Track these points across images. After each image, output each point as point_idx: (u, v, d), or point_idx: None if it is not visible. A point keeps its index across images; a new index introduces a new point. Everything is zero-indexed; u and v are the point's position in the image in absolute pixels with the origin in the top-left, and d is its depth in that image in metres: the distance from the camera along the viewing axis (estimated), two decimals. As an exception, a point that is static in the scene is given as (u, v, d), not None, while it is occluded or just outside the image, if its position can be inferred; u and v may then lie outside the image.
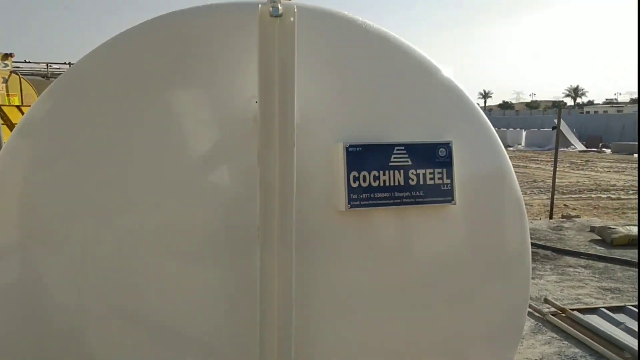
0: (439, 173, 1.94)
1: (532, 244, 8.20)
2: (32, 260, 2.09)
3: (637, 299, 5.14)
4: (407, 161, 1.91)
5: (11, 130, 8.84)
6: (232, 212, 1.88)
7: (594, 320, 5.11)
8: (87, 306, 2.07)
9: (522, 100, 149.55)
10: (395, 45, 2.02)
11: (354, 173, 1.86)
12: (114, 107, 1.94)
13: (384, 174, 1.88)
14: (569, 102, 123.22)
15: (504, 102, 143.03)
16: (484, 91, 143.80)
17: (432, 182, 1.93)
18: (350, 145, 1.85)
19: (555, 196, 14.21)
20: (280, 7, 1.62)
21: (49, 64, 24.33)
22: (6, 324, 2.14)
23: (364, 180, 1.87)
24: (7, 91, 12.91)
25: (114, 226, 2.00)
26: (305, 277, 1.84)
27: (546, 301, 5.71)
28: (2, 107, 11.40)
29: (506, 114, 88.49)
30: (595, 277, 6.83)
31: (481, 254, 2.08)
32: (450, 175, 1.95)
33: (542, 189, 16.71)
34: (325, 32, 1.96)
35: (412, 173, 1.91)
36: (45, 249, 2.05)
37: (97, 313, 2.08)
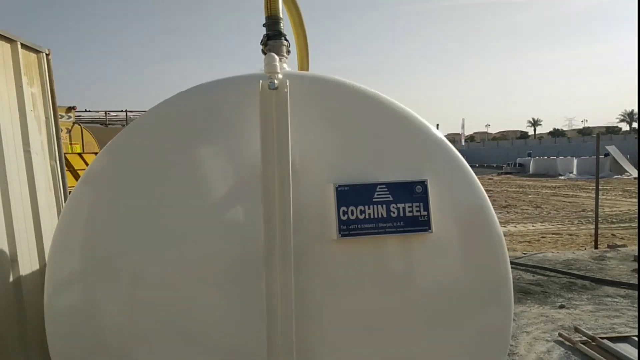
0: (416, 206, 2.31)
1: (570, 274, 8.19)
2: (91, 288, 2.58)
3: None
4: (389, 197, 2.30)
5: (74, 176, 9.78)
6: (246, 243, 2.30)
7: (624, 348, 5.13)
8: (136, 325, 2.52)
9: (574, 127, 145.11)
10: (378, 101, 2.45)
11: (343, 208, 2.26)
12: (156, 162, 2.45)
13: (369, 208, 2.28)
14: (624, 127, 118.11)
15: (554, 129, 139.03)
16: (533, 119, 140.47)
17: (410, 214, 2.31)
18: (340, 185, 2.27)
19: (604, 226, 13.89)
20: (276, 82, 2.11)
21: (107, 112, 26.28)
22: (68, 340, 2.63)
23: (352, 214, 2.27)
24: (70, 140, 14.22)
25: (158, 259, 2.46)
26: (305, 294, 2.24)
27: (577, 330, 5.75)
28: (66, 155, 12.56)
29: (557, 142, 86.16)
30: (633, 306, 6.75)
31: (459, 278, 2.41)
32: (426, 208, 2.32)
33: (590, 219, 16.26)
34: (317, 94, 2.41)
35: (394, 207, 2.30)
36: (102, 279, 2.53)
37: (145, 331, 2.52)
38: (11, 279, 3.99)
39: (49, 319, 2.64)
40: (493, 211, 2.56)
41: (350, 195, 2.27)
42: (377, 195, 2.29)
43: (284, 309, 2.13)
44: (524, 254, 10.33)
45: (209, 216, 2.37)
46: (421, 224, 2.31)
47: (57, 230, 2.62)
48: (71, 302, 2.63)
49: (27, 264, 4.26)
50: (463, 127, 64.25)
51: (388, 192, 2.30)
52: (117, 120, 25.52)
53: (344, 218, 2.26)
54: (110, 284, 2.52)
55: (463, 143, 68.02)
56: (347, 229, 2.26)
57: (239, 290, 2.34)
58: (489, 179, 31.41)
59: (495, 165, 45.97)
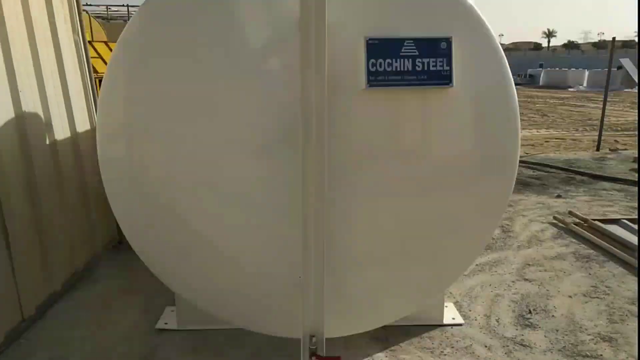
0: (440, 61, 2.51)
1: (569, 170, 8.52)
2: (134, 142, 2.85)
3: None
4: (415, 51, 2.49)
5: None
6: (283, 94, 2.52)
7: (614, 229, 5.55)
8: (176, 180, 2.81)
9: (589, 40, 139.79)
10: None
11: (372, 60, 2.46)
12: (192, 20, 2.60)
13: (396, 62, 2.48)
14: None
15: (569, 41, 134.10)
16: (548, 30, 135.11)
17: (434, 68, 2.51)
18: (370, 39, 2.45)
19: (608, 133, 14.06)
20: None
21: (109, 7, 25.57)
22: (117, 188, 2.95)
23: (380, 66, 2.48)
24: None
25: (196, 122, 2.68)
26: (338, 140, 2.52)
27: (570, 213, 6.18)
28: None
29: (571, 54, 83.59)
30: (626, 198, 7.15)
31: (472, 129, 2.67)
32: (449, 64, 2.52)
33: (595, 127, 16.38)
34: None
35: (419, 61, 2.50)
36: (142, 136, 2.79)
37: (185, 185, 2.81)
38: (47, 142, 4.28)
39: (103, 167, 2.95)
40: (514, 87, 2.74)
41: (380, 48, 2.47)
42: (404, 49, 2.48)
43: (319, 145, 2.39)
44: (526, 153, 10.64)
45: (248, 70, 2.57)
46: (443, 78, 2.52)
47: (103, 88, 2.83)
48: (118, 153, 2.91)
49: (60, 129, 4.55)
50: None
51: (415, 47, 2.49)
52: (119, 16, 24.83)
53: (373, 69, 2.47)
54: (151, 143, 2.80)
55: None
56: (375, 79, 2.48)
57: (275, 147, 2.60)
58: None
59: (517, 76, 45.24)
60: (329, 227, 2.74)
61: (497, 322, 3.85)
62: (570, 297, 4.20)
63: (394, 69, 2.48)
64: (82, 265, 4.88)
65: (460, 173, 2.73)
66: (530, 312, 3.97)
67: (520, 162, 9.23)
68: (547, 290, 4.34)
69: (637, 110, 20.28)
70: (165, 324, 3.93)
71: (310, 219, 2.46)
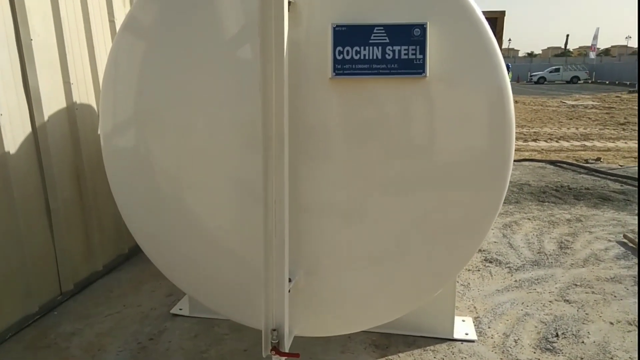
0: (412, 49, 2.35)
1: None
2: (143, 133, 2.93)
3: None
4: (385, 39, 2.35)
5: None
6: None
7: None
8: (184, 173, 2.86)
9: None
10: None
11: (339, 48, 2.37)
12: (200, 3, 2.63)
13: (365, 49, 2.36)
14: None
15: None
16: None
17: (406, 56, 2.35)
18: (337, 25, 2.36)
19: None
20: None
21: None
22: (127, 178, 3.06)
23: (347, 54, 2.37)
24: None
25: (203, 115, 2.71)
26: (300, 128, 2.45)
27: (645, 234, 5.43)
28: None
29: None
30: None
31: (451, 123, 2.45)
32: (423, 52, 2.34)
33: None
34: None
35: (389, 49, 2.36)
36: (151, 127, 2.85)
37: (192, 180, 2.85)
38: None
39: (107, 159, 3.06)
40: (506, 79, 2.48)
41: (347, 35, 2.36)
42: (374, 36, 2.36)
43: (278, 136, 2.34)
44: (620, 166, 9.55)
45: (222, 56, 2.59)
46: (415, 67, 2.36)
47: (105, 75, 2.98)
48: (127, 143, 3.04)
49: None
50: (596, 37, 56.51)
51: (385, 34, 2.35)
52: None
53: (339, 58, 2.38)
54: (159, 134, 2.84)
55: (593, 56, 60.25)
56: (342, 68, 2.38)
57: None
58: (616, 96, 28.22)
59: (628, 82, 40.88)
60: (305, 221, 2.69)
61: (515, 342, 3.49)
62: (611, 323, 3.69)
63: (362, 57, 2.36)
64: (127, 250, 5.25)
65: (436, 169, 2.51)
66: (557, 335, 3.55)
67: (607, 174, 8.36)
68: (587, 314, 3.85)
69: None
70: (180, 309, 4.10)
71: (270, 209, 2.41)
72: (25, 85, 3.81)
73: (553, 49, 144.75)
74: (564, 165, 9.67)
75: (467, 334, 3.59)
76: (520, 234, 5.83)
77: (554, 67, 52.78)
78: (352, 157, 2.54)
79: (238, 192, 2.80)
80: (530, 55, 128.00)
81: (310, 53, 2.43)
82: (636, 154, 11.39)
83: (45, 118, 3.98)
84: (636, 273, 4.55)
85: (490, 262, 5.02)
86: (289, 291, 2.58)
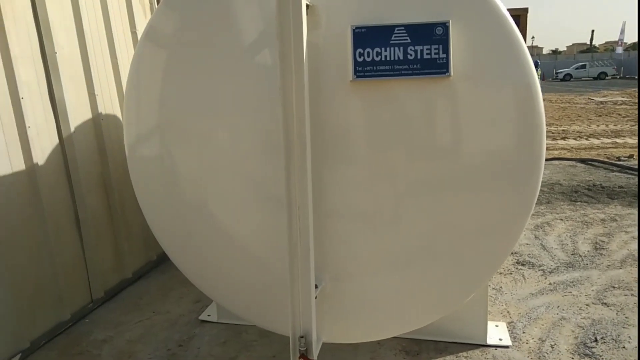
0: (435, 49, 2.29)
1: None
2: (166, 142, 2.95)
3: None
4: (407, 39, 2.30)
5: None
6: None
7: None
8: (208, 180, 2.86)
9: None
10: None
11: (360, 50, 2.33)
12: (224, 12, 2.62)
13: (385, 50, 2.32)
14: None
15: None
16: None
17: (428, 56, 2.30)
18: (357, 27, 2.32)
19: None
20: None
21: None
22: (152, 186, 3.07)
23: (368, 56, 2.33)
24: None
25: (226, 122, 2.71)
26: (323, 130, 2.42)
27: (686, 232, 5.20)
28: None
29: None
30: None
31: (479, 123, 2.38)
32: (446, 51, 2.29)
33: None
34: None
35: (411, 49, 2.30)
36: (173, 136, 2.87)
37: (216, 186, 2.85)
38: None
39: (132, 168, 3.09)
40: (534, 77, 2.41)
41: (367, 37, 2.32)
42: (395, 37, 2.31)
43: (300, 141, 2.31)
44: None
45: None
46: (438, 67, 2.30)
47: (127, 85, 3.01)
48: (152, 152, 3.06)
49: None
50: (623, 32, 54.97)
51: (406, 34, 2.30)
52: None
53: (360, 60, 2.34)
54: (181, 143, 2.85)
55: (620, 51, 58.56)
56: (363, 70, 2.34)
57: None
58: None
59: (657, 78, 39.73)
60: (330, 226, 2.66)
61: (552, 348, 3.37)
62: (654, 327, 3.53)
63: (383, 59, 2.32)
64: (155, 256, 5.30)
65: (464, 171, 2.44)
66: (596, 340, 3.41)
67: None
68: (626, 317, 3.69)
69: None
70: (209, 316, 4.10)
71: (294, 215, 2.39)
72: (52, 98, 3.89)
73: (578, 45, 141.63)
74: (595, 164, 9.38)
75: (501, 340, 3.48)
76: (553, 235, 5.67)
77: (580, 64, 51.49)
78: (377, 160, 2.50)
79: (262, 198, 2.78)
80: (555, 52, 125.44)
81: (330, 56, 2.41)
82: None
83: (72, 129, 4.05)
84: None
85: (523, 264, 4.89)
86: (316, 297, 2.55)
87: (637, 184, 7.55)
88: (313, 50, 2.34)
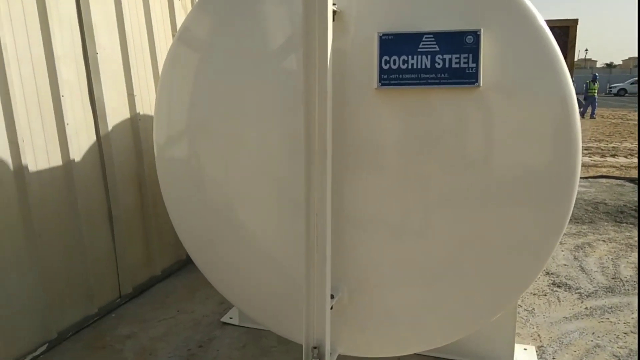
0: (464, 58, 2.21)
1: None
2: (194, 143, 2.97)
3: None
4: (435, 47, 2.23)
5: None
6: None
7: None
8: (233, 184, 2.86)
9: None
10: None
11: (386, 57, 2.28)
12: (256, 14, 2.62)
13: (412, 58, 2.26)
14: None
15: None
16: None
17: (457, 65, 2.22)
18: (384, 34, 2.27)
19: None
20: None
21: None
22: (178, 187, 3.10)
23: (394, 64, 2.28)
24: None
25: (254, 128, 2.70)
26: (345, 136, 2.38)
27: None
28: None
29: None
30: None
31: (506, 136, 2.28)
32: (476, 60, 2.20)
33: None
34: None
35: (439, 57, 2.23)
36: (202, 137, 2.89)
37: (242, 192, 2.84)
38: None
39: (160, 168, 3.13)
40: (570, 89, 2.28)
41: (394, 44, 2.27)
42: (423, 45, 2.25)
43: (320, 148, 2.27)
44: None
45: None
46: (467, 77, 2.22)
47: (160, 84, 3.05)
48: (180, 153, 3.08)
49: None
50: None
51: (435, 42, 2.23)
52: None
53: (386, 67, 2.29)
54: (209, 143, 2.86)
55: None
56: (388, 78, 2.29)
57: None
58: None
59: None
60: (351, 235, 2.61)
61: (583, 376, 3.19)
62: (697, 362, 3.28)
63: (410, 67, 2.25)
64: (184, 256, 5.37)
65: (490, 184, 2.34)
66: (632, 372, 3.20)
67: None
68: (668, 349, 3.45)
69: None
70: (230, 318, 4.11)
71: (312, 222, 2.35)
72: (91, 97, 4.01)
73: (635, 59, 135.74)
74: (646, 183, 8.91)
75: (527, 364, 3.32)
76: (594, 257, 5.39)
77: (636, 79, 49.27)
78: (401, 170, 2.43)
79: (285, 204, 2.76)
80: (610, 66, 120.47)
81: (356, 62, 2.37)
82: None
83: (109, 128, 4.16)
84: None
85: (559, 286, 4.67)
86: (331, 308, 2.50)
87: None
88: (339, 56, 2.31)
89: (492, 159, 2.35)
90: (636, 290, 4.47)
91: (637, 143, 14.77)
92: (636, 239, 5.90)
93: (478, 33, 2.19)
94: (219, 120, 2.82)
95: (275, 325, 3.09)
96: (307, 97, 2.24)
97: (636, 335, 3.68)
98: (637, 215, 6.83)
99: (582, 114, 22.24)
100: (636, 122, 20.69)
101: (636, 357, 3.38)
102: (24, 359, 3.46)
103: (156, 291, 4.76)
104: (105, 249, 4.28)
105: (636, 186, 8.79)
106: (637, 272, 4.87)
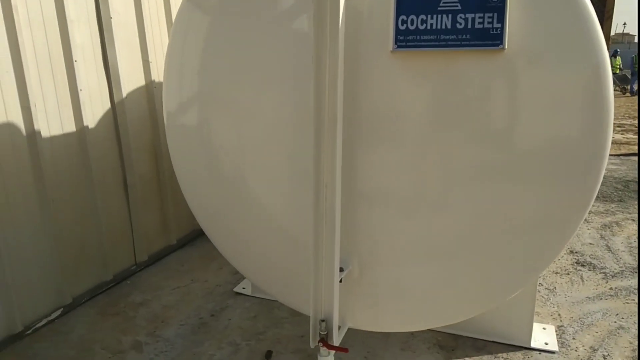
0: (489, 17, 2.04)
1: None
2: (204, 111, 2.88)
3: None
4: (457, 5, 2.06)
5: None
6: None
7: None
8: (244, 152, 2.76)
9: None
10: None
11: (403, 17, 2.12)
12: None
13: (432, 18, 2.09)
14: None
15: None
16: None
17: (480, 26, 2.05)
18: (401, -9, 2.11)
19: None
20: None
21: None
22: (188, 156, 3.03)
23: (412, 24, 2.12)
24: None
25: (266, 96, 2.58)
26: (359, 101, 2.25)
27: None
28: None
29: None
30: None
31: (532, 105, 2.11)
32: (501, 20, 2.03)
33: None
34: None
35: (461, 17, 2.06)
36: (213, 105, 2.79)
37: (252, 162, 2.74)
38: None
39: (170, 136, 3.05)
40: (609, 67, 2.09)
41: (412, 2, 2.11)
42: (444, 3, 2.08)
43: (330, 115, 2.16)
44: None
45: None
46: (492, 38, 2.05)
47: (169, 50, 2.94)
48: (191, 120, 3.00)
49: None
50: None
51: (457, 0, 2.06)
52: None
53: (402, 28, 2.13)
54: (220, 111, 2.76)
55: None
56: (405, 40, 2.13)
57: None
58: None
59: None
60: (363, 208, 2.50)
61: (604, 358, 3.06)
62: None
63: (428, 27, 2.09)
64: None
65: (514, 157, 2.18)
66: (657, 356, 3.06)
67: None
68: (697, 334, 3.29)
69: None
70: (243, 288, 4.09)
71: (320, 193, 2.25)
72: (105, 63, 3.95)
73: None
74: (682, 162, 8.51)
75: (546, 344, 3.21)
76: (622, 237, 5.18)
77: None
78: (417, 141, 2.29)
79: (296, 174, 2.66)
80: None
81: (370, 23, 2.21)
82: None
83: (124, 95, 4.10)
84: None
85: (583, 265, 4.50)
86: (340, 281, 2.42)
87: None
88: (352, 15, 2.16)
89: (516, 129, 2.19)
90: (665, 272, 4.28)
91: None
92: (668, 219, 5.64)
93: (504, -10, 2.01)
94: (231, 88, 2.71)
95: (285, 296, 3.04)
96: (317, 61, 2.12)
97: (663, 319, 3.52)
98: (670, 195, 6.54)
99: (631, 91, 21.25)
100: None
101: (662, 341, 3.23)
102: (40, 322, 3.50)
103: (171, 260, 4.77)
104: (120, 216, 4.28)
105: (671, 164, 8.40)
106: (667, 254, 4.65)
